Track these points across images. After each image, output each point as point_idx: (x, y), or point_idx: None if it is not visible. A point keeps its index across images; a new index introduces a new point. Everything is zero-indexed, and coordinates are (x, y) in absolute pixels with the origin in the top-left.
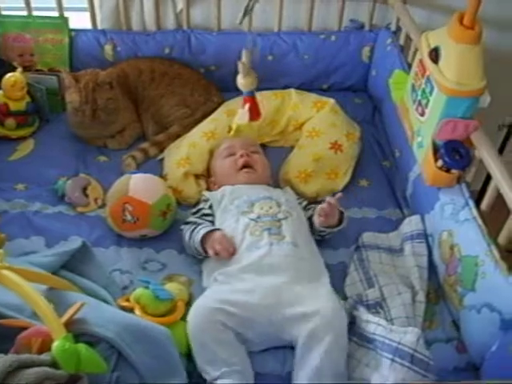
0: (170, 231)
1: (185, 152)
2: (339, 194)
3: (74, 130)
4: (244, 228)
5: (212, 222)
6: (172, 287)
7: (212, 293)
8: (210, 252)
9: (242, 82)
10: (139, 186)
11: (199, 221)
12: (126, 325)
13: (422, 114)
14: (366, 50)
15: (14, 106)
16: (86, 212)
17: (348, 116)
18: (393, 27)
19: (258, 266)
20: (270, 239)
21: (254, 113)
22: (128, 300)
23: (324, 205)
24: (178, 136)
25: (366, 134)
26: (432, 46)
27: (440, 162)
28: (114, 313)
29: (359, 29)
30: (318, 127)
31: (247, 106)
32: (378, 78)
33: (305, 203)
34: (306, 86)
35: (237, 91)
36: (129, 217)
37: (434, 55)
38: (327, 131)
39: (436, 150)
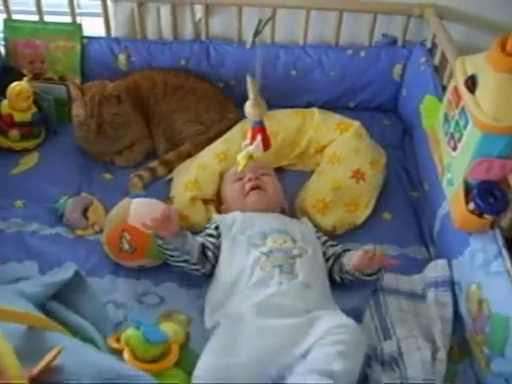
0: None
1: (193, 174)
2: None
3: (80, 144)
4: (254, 262)
5: (214, 245)
6: (167, 327)
7: (213, 357)
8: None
9: (250, 110)
10: (140, 212)
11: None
12: (105, 373)
13: (454, 149)
14: (397, 68)
15: (18, 117)
16: (86, 235)
17: (374, 139)
18: (428, 44)
19: (265, 307)
20: (280, 278)
21: (265, 143)
22: (118, 340)
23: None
24: (189, 155)
25: (393, 159)
26: (469, 73)
27: (472, 205)
28: (95, 358)
29: (391, 44)
30: (339, 152)
31: (259, 137)
32: (410, 99)
33: (324, 238)
34: (331, 104)
35: None
36: (126, 246)
37: (471, 83)
38: (349, 157)
39: (468, 190)
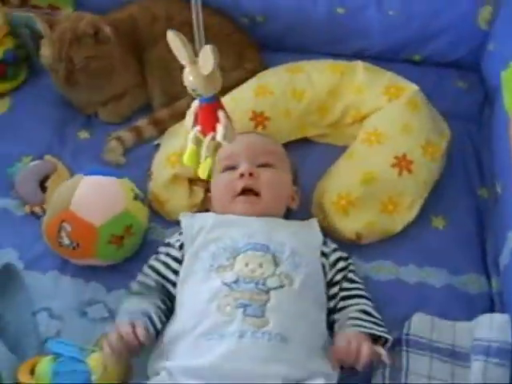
0: (135, 259)
1: (179, 144)
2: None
3: (59, 90)
4: (211, 297)
5: (177, 273)
6: (98, 361)
7: None
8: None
9: (196, 80)
10: (87, 196)
11: (146, 282)
12: None
13: None
14: (485, 11)
15: None
16: (39, 213)
17: (439, 109)
18: None
19: (212, 375)
20: (242, 325)
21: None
22: (32, 371)
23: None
24: (183, 115)
25: (462, 138)
26: None
27: None
28: None
29: None
30: (382, 128)
31: (222, 120)
32: (498, 56)
33: (335, 257)
34: (387, 55)
35: (289, 52)
36: (66, 240)
37: None
38: (395, 137)
39: None
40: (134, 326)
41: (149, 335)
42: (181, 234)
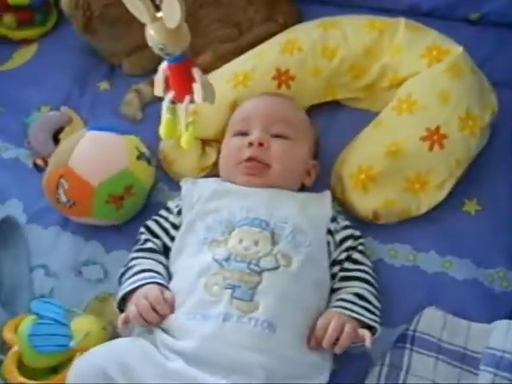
0: (138, 221)
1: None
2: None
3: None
4: (199, 272)
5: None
6: (83, 324)
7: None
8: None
9: (163, 35)
10: (88, 152)
11: (148, 245)
12: None
13: None
14: None
15: None
16: (41, 166)
17: (490, 77)
18: None
19: (195, 355)
20: (228, 307)
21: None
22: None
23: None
24: (207, 69)
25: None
26: None
27: None
28: None
29: None
30: (416, 95)
31: (197, 73)
32: None
33: (342, 234)
34: (441, 12)
35: (329, 5)
36: (63, 197)
37: None
38: (429, 106)
39: None
40: (162, 292)
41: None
42: (180, 199)
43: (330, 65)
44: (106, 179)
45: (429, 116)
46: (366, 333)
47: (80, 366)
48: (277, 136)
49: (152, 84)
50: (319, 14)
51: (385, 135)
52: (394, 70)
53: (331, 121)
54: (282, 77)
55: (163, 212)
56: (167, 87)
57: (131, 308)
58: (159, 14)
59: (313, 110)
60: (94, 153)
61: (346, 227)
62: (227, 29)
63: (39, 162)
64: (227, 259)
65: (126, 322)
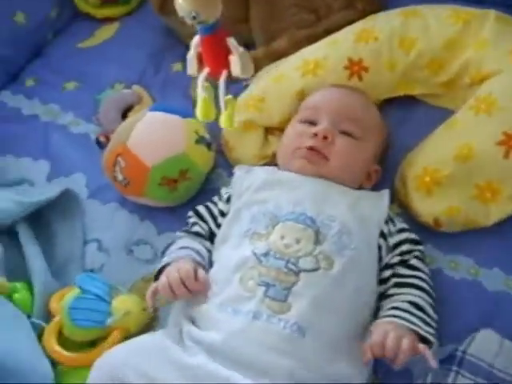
0: (192, 205)
1: (261, 87)
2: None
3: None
4: (237, 265)
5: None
6: (124, 303)
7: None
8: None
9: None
10: (146, 133)
11: (194, 229)
12: None
13: None
14: None
15: None
16: (103, 142)
17: None
18: None
19: (220, 350)
20: (260, 305)
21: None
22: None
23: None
24: (281, 55)
25: None
26: None
27: None
28: None
29: None
30: (496, 96)
31: (233, 43)
32: None
33: (397, 238)
34: None
35: None
36: (119, 176)
37: None
38: (510, 109)
39: None
40: (196, 269)
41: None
42: (228, 201)
43: (407, 57)
44: (160, 161)
45: (508, 119)
46: (426, 350)
47: (99, 367)
48: (344, 133)
49: None
50: (406, 3)
51: (457, 136)
52: (477, 67)
53: (404, 117)
54: (355, 67)
55: (215, 198)
56: (201, 65)
57: (162, 279)
58: None
59: (385, 104)
60: (153, 134)
61: (402, 230)
62: (304, 14)
63: (102, 138)
64: (266, 254)
65: (155, 293)
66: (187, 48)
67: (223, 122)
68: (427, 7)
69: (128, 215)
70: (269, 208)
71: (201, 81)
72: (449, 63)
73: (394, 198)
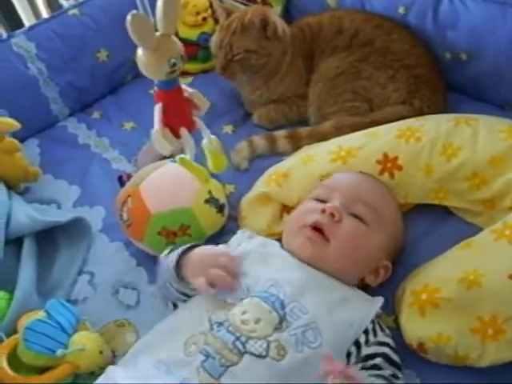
0: None
1: (289, 164)
2: None
3: None
4: (191, 325)
5: None
6: (82, 340)
7: None
8: (198, 282)
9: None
10: (159, 180)
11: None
12: None
13: None
14: None
15: (182, 33)
16: (125, 180)
17: None
18: None
19: None
20: (192, 374)
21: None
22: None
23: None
24: (323, 138)
25: None
26: None
27: None
28: None
29: None
30: None
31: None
32: None
33: (371, 350)
34: None
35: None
36: (125, 215)
37: None
38: None
39: None
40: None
41: None
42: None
43: (447, 165)
44: (164, 210)
45: None
46: None
47: None
48: (354, 216)
49: (267, 139)
50: (469, 111)
51: (469, 259)
52: None
53: (432, 228)
54: (388, 163)
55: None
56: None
57: (211, 272)
58: None
59: (414, 211)
60: (165, 183)
61: (382, 344)
62: (358, 102)
63: (124, 177)
64: (220, 324)
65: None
66: (245, 113)
67: (211, 168)
68: (484, 118)
69: (127, 257)
70: (247, 280)
71: (190, 140)
72: (491, 180)
73: (392, 311)
